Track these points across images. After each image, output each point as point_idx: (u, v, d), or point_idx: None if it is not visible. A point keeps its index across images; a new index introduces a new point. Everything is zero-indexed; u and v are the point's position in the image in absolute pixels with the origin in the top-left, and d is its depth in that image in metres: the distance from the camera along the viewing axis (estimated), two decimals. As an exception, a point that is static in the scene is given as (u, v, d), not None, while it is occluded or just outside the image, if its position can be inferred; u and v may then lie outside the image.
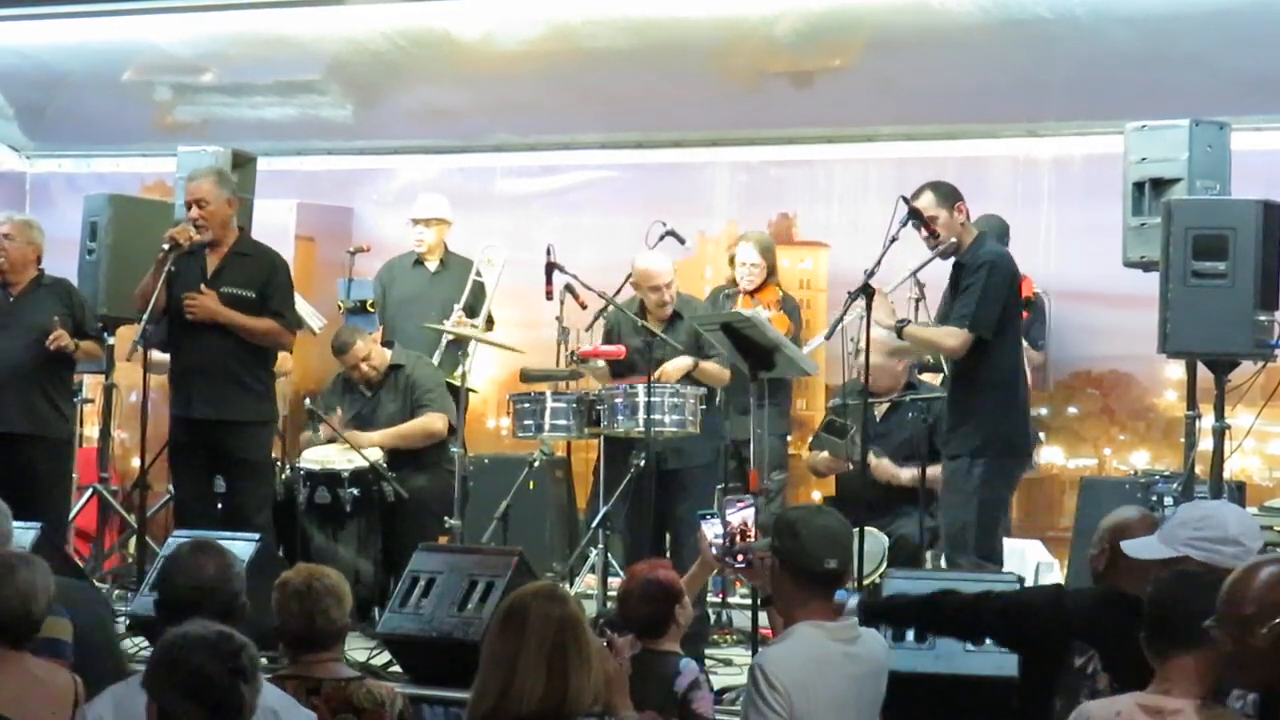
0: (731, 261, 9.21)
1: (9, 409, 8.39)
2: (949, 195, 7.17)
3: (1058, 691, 4.70)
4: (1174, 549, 4.27)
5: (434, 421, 8.71)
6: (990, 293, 7.05)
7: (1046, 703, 4.69)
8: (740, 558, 5.02)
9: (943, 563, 7.49)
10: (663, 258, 8.60)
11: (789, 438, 9.38)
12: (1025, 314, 8.28)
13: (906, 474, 8.13)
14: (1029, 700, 4.80)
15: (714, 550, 5.21)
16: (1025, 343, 7.99)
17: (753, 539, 5.07)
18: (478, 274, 9.50)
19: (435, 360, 9.18)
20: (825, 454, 8.49)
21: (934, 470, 7.86)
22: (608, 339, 8.65)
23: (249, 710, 3.61)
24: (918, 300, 8.52)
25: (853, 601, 4.78)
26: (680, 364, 8.30)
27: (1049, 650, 4.72)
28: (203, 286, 7.93)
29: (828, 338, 7.59)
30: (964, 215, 7.20)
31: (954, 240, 7.15)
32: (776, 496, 8.93)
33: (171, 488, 8.54)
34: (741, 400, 8.11)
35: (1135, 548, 4.38)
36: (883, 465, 8.11)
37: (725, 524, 5.11)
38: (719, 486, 8.60)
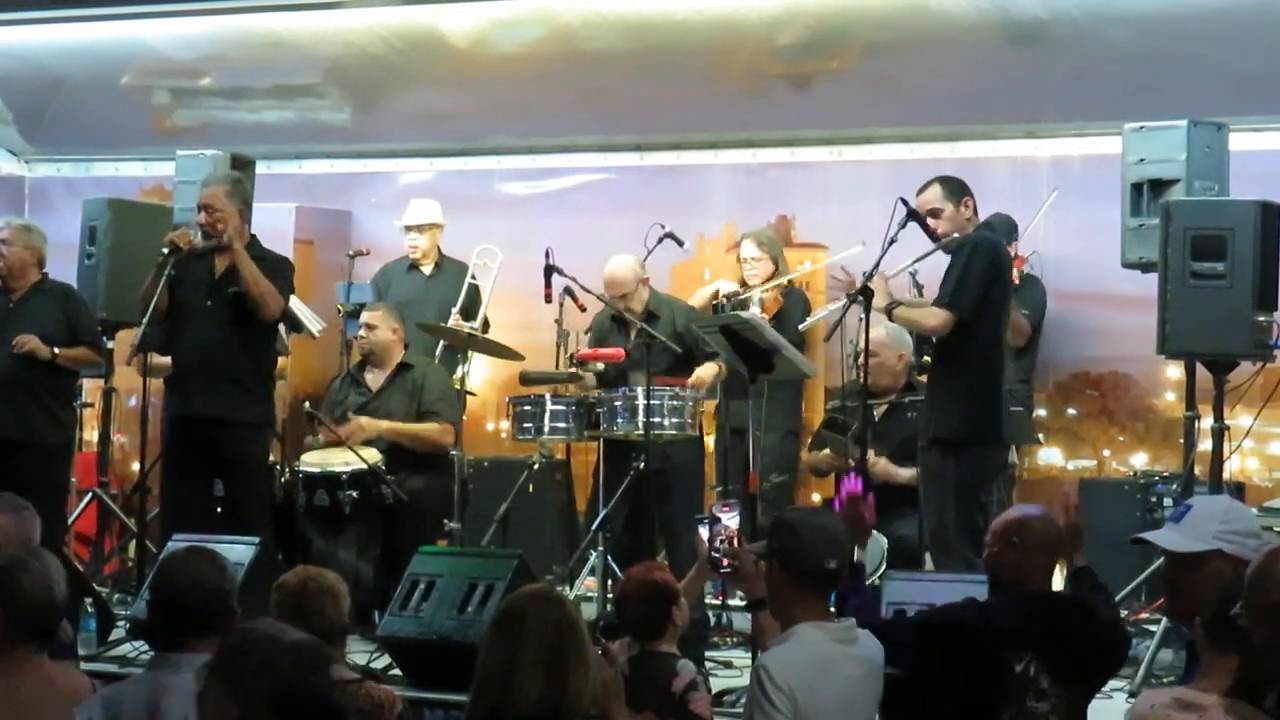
0: (739, 261, 9.27)
1: (2, 415, 8.38)
2: (956, 190, 7.19)
3: (1002, 701, 4.70)
4: (1205, 543, 4.16)
5: (445, 434, 8.71)
6: (970, 274, 7.05)
7: (989, 714, 4.68)
8: (726, 562, 5.03)
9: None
10: (624, 265, 8.64)
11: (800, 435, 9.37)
12: (1015, 280, 8.32)
13: (905, 473, 8.11)
14: (970, 714, 4.78)
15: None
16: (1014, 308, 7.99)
17: (737, 543, 5.07)
18: (473, 277, 9.53)
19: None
20: (826, 452, 8.47)
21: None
22: (599, 343, 8.69)
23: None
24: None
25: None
26: (710, 370, 8.35)
27: (980, 662, 4.72)
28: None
29: (826, 339, 7.58)
30: (970, 210, 7.20)
31: (956, 235, 7.15)
32: (778, 498, 8.91)
33: (160, 491, 8.50)
34: (740, 387, 8.14)
35: (1163, 539, 4.31)
36: (881, 465, 8.09)
37: (713, 528, 5.12)
38: (717, 489, 8.62)
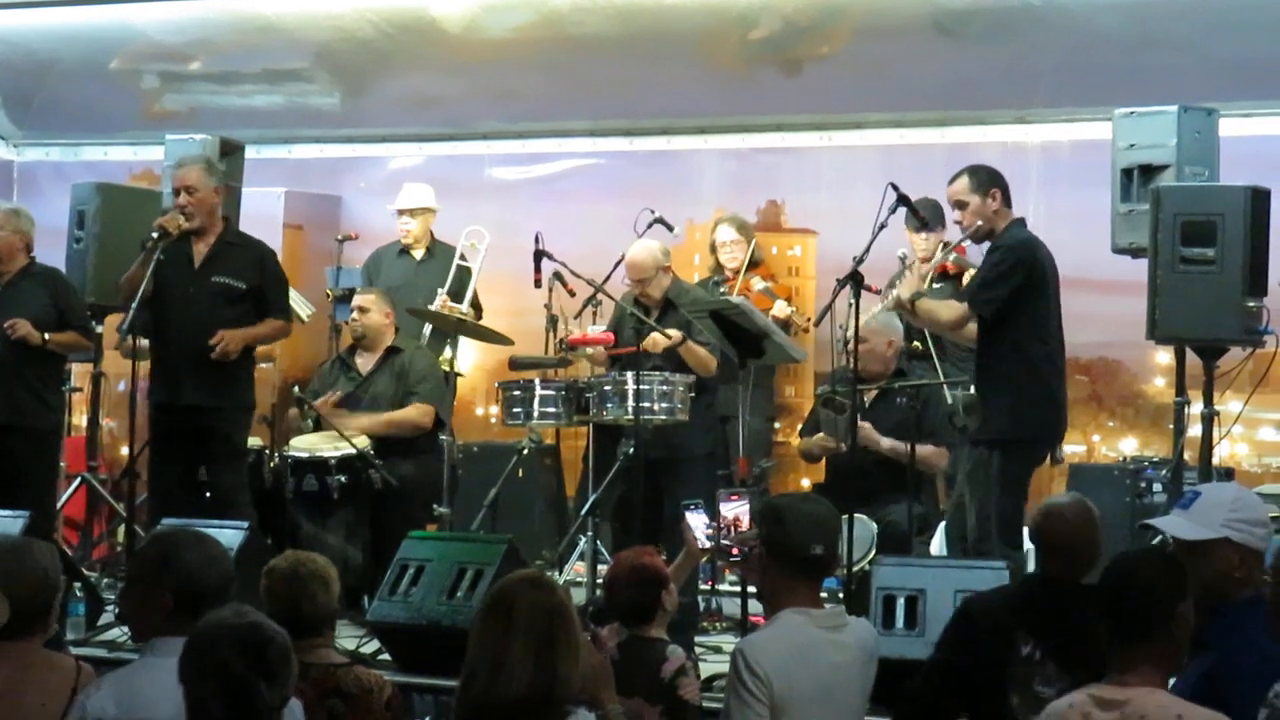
0: (713, 249, 9.28)
1: None
2: (985, 181, 7.16)
3: (1010, 685, 4.70)
4: (1213, 530, 4.19)
5: (421, 416, 8.70)
6: (997, 275, 7.07)
7: (1000, 701, 4.68)
8: (735, 551, 5.02)
9: (939, 548, 7.49)
10: (645, 251, 8.53)
11: (777, 425, 9.38)
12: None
13: (886, 443, 8.11)
14: (982, 700, 4.78)
15: (702, 540, 5.21)
16: None
17: (747, 531, 5.07)
18: (461, 259, 9.52)
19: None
20: (819, 435, 8.44)
21: (921, 451, 7.87)
22: (615, 329, 8.64)
23: (265, 706, 3.55)
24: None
25: None
26: (662, 339, 8.24)
27: (993, 650, 4.72)
28: (223, 334, 7.92)
29: (816, 324, 7.56)
30: (997, 202, 7.17)
31: (980, 224, 7.14)
32: (761, 482, 8.92)
33: (148, 477, 8.47)
34: (728, 374, 8.11)
35: (1171, 526, 4.32)
36: (865, 429, 8.07)
37: (717, 517, 5.11)
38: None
